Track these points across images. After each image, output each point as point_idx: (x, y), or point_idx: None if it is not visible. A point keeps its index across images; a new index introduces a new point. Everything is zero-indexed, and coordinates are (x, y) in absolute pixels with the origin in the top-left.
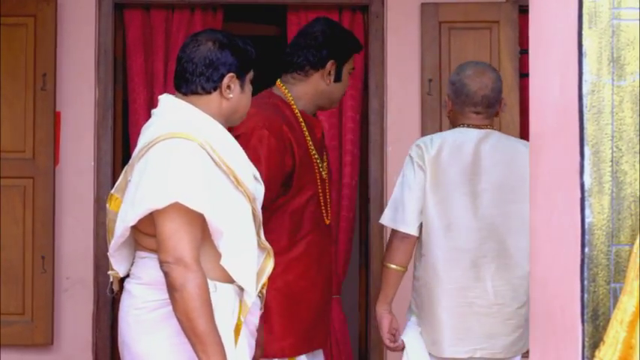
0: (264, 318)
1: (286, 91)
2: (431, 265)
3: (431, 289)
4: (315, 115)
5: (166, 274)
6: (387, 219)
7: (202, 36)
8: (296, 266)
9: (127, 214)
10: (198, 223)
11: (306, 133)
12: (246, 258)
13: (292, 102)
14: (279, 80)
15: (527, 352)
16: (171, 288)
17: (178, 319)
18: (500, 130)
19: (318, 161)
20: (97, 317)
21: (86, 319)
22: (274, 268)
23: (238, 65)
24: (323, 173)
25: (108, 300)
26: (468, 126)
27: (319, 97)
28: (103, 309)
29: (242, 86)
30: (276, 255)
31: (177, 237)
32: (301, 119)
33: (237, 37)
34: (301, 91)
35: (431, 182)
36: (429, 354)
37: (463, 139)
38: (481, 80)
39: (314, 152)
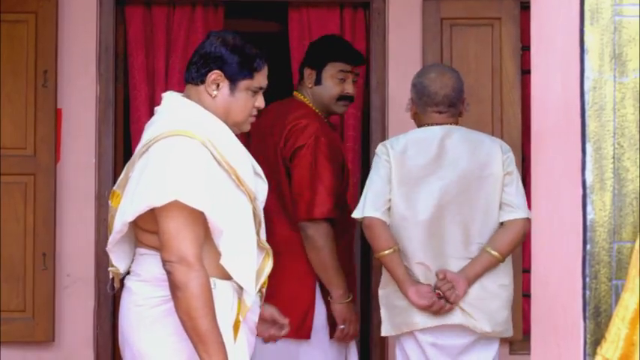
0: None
1: (307, 100)
2: (400, 250)
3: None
4: (337, 113)
5: (169, 273)
6: (355, 213)
7: (218, 33)
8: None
9: (126, 210)
10: (200, 222)
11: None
12: (245, 257)
13: (316, 109)
14: (295, 91)
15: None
16: (174, 287)
17: (180, 318)
18: (501, 127)
19: (343, 159)
20: (98, 314)
21: (87, 316)
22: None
23: (232, 66)
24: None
25: (109, 297)
26: (432, 125)
27: (315, 100)
28: (104, 306)
29: (232, 90)
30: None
31: (181, 236)
32: (327, 122)
33: (250, 44)
34: (314, 95)
35: (397, 175)
36: (401, 335)
37: (427, 135)
38: (442, 80)
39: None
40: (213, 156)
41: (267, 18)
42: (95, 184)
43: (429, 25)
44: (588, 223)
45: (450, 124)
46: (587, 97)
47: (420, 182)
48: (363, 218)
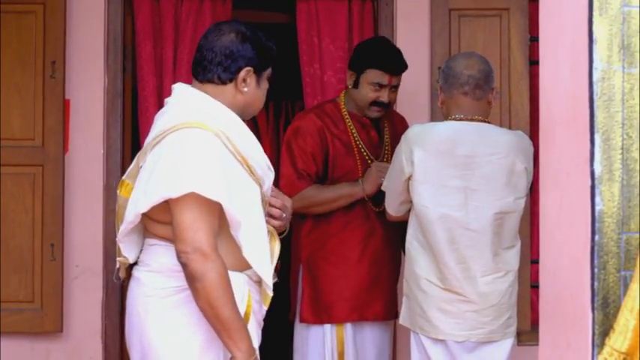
0: (310, 288)
1: (342, 96)
2: (423, 253)
3: (422, 277)
4: (369, 117)
5: (185, 265)
6: (384, 187)
7: (226, 26)
8: (345, 245)
9: (139, 200)
10: (216, 213)
11: (353, 129)
12: (261, 247)
13: (343, 105)
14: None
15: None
16: (192, 278)
17: (201, 308)
18: (509, 117)
19: (366, 155)
20: (106, 305)
21: (95, 307)
22: (328, 244)
23: (257, 60)
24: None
25: (117, 288)
26: (461, 119)
27: (352, 99)
28: (112, 296)
29: (258, 82)
30: (331, 236)
31: (195, 227)
32: (348, 118)
33: (261, 32)
34: (350, 95)
35: (422, 177)
36: (422, 335)
37: (457, 132)
38: (467, 62)
39: (361, 146)
40: (227, 147)
41: (275, 9)
42: (103, 175)
43: (437, 15)
44: (597, 213)
45: (479, 117)
46: (595, 87)
47: (446, 184)
48: (388, 214)
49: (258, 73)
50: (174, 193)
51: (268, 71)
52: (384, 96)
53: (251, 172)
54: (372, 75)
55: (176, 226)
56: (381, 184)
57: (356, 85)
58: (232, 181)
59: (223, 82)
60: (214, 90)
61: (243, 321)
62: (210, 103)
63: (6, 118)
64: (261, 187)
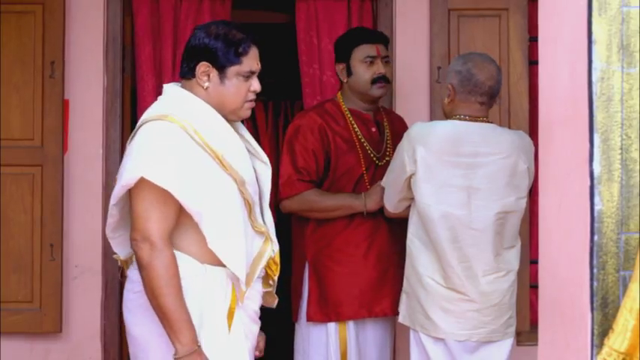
0: (317, 287)
1: (339, 95)
2: (425, 251)
3: (424, 275)
4: (371, 111)
5: (135, 253)
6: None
7: (203, 26)
8: (351, 242)
9: (113, 195)
10: (170, 203)
11: (354, 126)
12: (233, 242)
13: (342, 102)
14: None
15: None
16: (139, 266)
17: (147, 297)
18: (509, 117)
19: (369, 150)
20: (105, 305)
21: (95, 307)
22: (334, 242)
23: (218, 55)
24: (377, 161)
25: (116, 288)
26: (465, 119)
27: (352, 92)
28: (112, 296)
29: (222, 78)
30: (336, 234)
31: (146, 216)
32: (348, 115)
33: (235, 30)
34: (350, 88)
35: (425, 175)
36: (422, 333)
37: (460, 132)
38: (489, 70)
39: (364, 142)
40: (194, 139)
41: (274, 9)
42: (102, 175)
43: (436, 15)
44: (596, 214)
45: (483, 117)
46: (595, 87)
47: (450, 183)
48: (386, 211)
49: (219, 68)
50: (130, 182)
51: (236, 68)
52: (379, 68)
53: (224, 166)
54: (360, 52)
55: (131, 214)
56: (382, 204)
57: (349, 73)
58: (196, 173)
59: (188, 77)
60: (187, 85)
61: (188, 315)
62: (188, 100)
63: (5, 118)
64: (238, 183)
